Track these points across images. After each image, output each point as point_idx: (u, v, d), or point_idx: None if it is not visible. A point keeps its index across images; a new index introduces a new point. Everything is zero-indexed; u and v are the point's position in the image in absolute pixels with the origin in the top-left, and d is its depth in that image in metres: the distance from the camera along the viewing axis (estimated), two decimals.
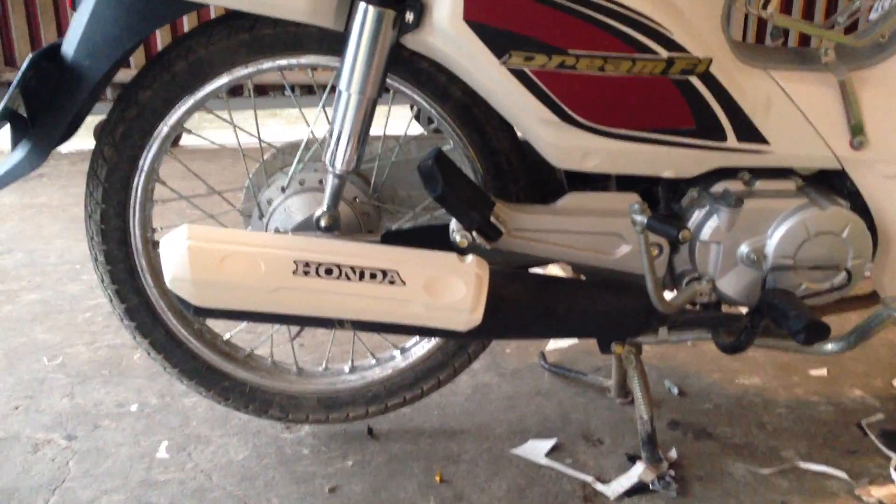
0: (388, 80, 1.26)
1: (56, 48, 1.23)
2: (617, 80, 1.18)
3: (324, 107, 1.37)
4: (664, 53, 1.17)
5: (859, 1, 1.31)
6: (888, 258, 1.32)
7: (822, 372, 1.75)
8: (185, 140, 2.97)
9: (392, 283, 1.17)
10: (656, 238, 1.27)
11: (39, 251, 2.34)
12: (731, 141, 1.24)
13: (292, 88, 3.35)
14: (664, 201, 1.34)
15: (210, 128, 1.36)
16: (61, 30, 3.31)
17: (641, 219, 1.18)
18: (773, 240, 1.27)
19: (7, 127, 1.23)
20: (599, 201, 1.28)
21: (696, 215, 1.29)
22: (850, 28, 1.40)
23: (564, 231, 1.28)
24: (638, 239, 1.21)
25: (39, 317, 1.97)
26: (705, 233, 1.27)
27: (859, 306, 1.41)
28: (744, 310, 1.35)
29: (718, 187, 1.28)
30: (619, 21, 1.15)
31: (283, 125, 3.83)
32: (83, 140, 1.31)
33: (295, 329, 1.46)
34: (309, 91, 3.34)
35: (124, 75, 3.01)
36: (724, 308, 1.36)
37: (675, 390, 1.67)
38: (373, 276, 1.17)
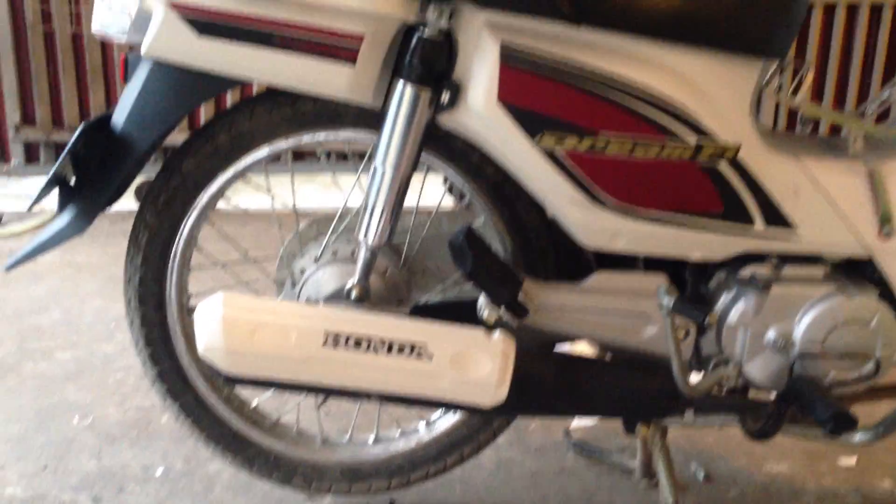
0: (423, 156, 1.30)
1: (106, 119, 1.28)
2: (646, 164, 1.21)
3: (358, 177, 1.40)
4: (693, 139, 1.20)
5: (889, 91, 1.33)
6: None
7: (852, 461, 1.72)
8: (221, 203, 3.04)
9: (419, 356, 1.19)
10: (683, 320, 1.28)
11: (75, 310, 2.39)
12: (759, 226, 1.25)
13: (328, 155, 3.43)
14: (692, 283, 1.34)
15: (245, 191, 1.40)
16: (109, 95, 3.43)
17: (668, 301, 1.19)
18: (801, 326, 1.27)
19: (56, 191, 1.29)
20: (627, 282, 1.30)
21: (724, 298, 1.29)
22: (881, 117, 1.42)
23: (591, 310, 1.30)
24: (664, 321, 1.21)
25: (72, 376, 2.00)
26: (732, 316, 1.28)
27: (889, 396, 1.39)
28: (771, 395, 1.34)
29: (746, 271, 1.29)
30: (649, 106, 1.18)
31: (318, 190, 3.89)
32: (123, 201, 1.36)
33: (321, 397, 1.47)
34: (344, 157, 3.43)
35: (171, 138, 3.13)
36: (752, 393, 1.36)
37: (702, 474, 1.65)
38: (401, 349, 1.18)
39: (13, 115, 3.35)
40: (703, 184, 1.22)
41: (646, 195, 1.23)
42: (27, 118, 3.39)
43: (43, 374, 2.01)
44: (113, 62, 3.40)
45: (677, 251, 1.28)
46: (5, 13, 3.23)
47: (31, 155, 3.40)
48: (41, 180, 1.22)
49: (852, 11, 3.88)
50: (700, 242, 1.26)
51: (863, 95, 4.04)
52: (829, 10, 3.88)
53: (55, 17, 3.25)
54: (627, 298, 1.29)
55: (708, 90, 1.20)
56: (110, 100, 3.42)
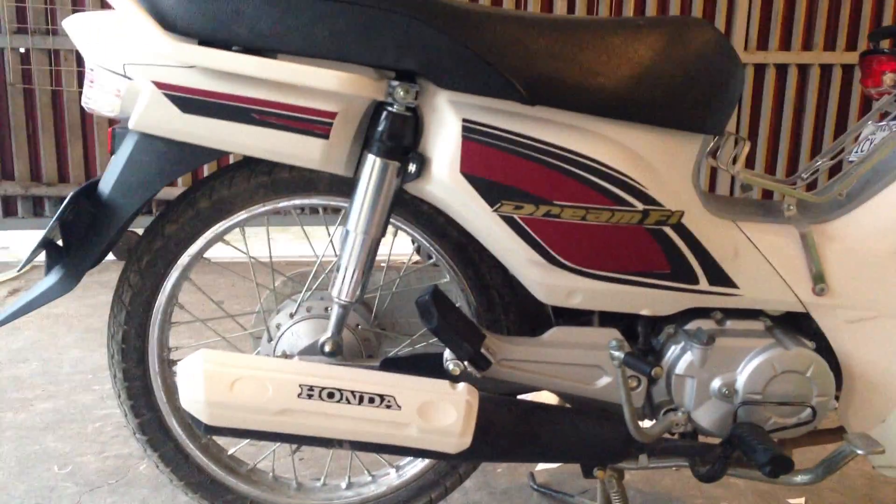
0: (392, 220, 1.40)
1: (93, 186, 1.36)
2: (598, 228, 1.31)
3: (331, 238, 1.49)
4: (640, 206, 1.30)
5: (820, 161, 1.45)
6: (852, 396, 1.41)
7: (800, 501, 1.81)
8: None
9: (388, 406, 1.27)
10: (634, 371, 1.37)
11: (54, 360, 2.44)
12: (703, 284, 1.35)
13: (302, 210, 3.52)
14: (643, 336, 1.45)
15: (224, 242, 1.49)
16: (87, 151, 3.50)
17: (619, 354, 1.28)
18: (743, 376, 1.37)
19: (44, 253, 1.36)
20: (582, 336, 1.39)
21: (672, 350, 1.39)
22: (811, 185, 1.54)
23: (549, 362, 1.39)
24: (616, 372, 1.31)
25: (52, 425, 2.05)
26: (680, 367, 1.38)
27: (828, 440, 1.49)
28: (718, 440, 1.44)
29: (692, 325, 1.39)
30: (599, 177, 1.29)
31: (292, 240, 3.98)
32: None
33: (296, 445, 1.55)
34: (315, 211, 3.54)
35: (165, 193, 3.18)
36: (701, 438, 1.45)
37: None
38: (371, 400, 1.27)
39: None
40: (650, 247, 1.33)
41: (598, 257, 1.33)
42: (6, 173, 3.46)
43: (22, 423, 2.05)
44: (91, 119, 3.48)
45: (629, 307, 1.38)
46: None
47: (8, 209, 3.46)
48: (19, 234, 1.30)
49: (803, 71, 4.07)
50: (649, 299, 1.36)
51: (792, 161, 4.20)
52: (782, 71, 4.06)
53: (35, 75, 3.34)
54: (583, 351, 1.39)
55: (653, 162, 1.31)
56: (88, 156, 3.49)
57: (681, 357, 1.38)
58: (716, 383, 1.37)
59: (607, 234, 1.32)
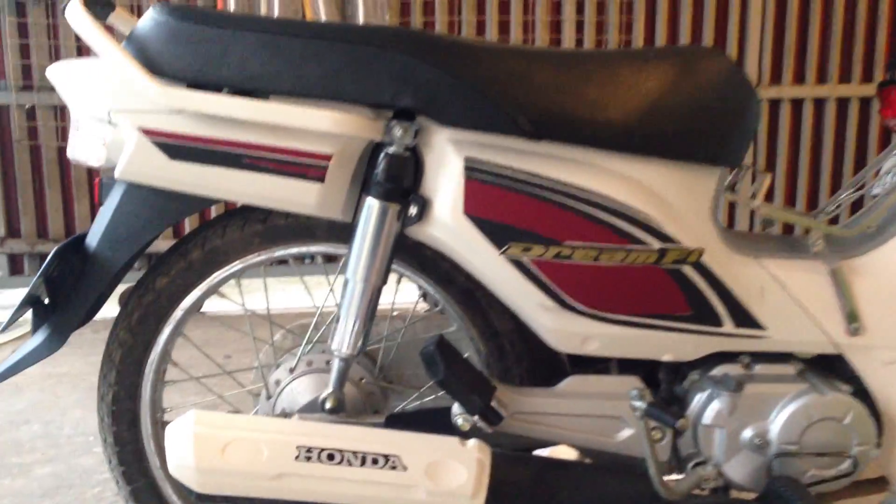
0: (394, 266, 1.32)
1: (80, 240, 1.30)
2: (612, 269, 1.23)
3: (332, 287, 1.42)
4: (656, 244, 1.22)
5: (845, 193, 1.37)
6: (894, 443, 1.31)
7: None
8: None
9: (394, 468, 1.18)
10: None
11: (55, 422, 2.37)
12: (728, 327, 1.26)
13: (301, 258, 3.45)
14: (665, 384, 1.35)
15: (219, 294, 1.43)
16: (93, 206, 3.48)
17: (641, 405, 1.19)
18: (776, 425, 1.27)
19: (30, 312, 1.30)
20: (600, 385, 1.30)
21: (698, 399, 1.30)
22: (833, 220, 1.46)
23: (566, 414, 1.30)
24: (638, 424, 1.22)
25: (50, 492, 1.97)
26: (707, 417, 1.28)
27: (871, 491, 1.38)
28: (753, 495, 1.33)
29: (718, 371, 1.30)
30: (611, 215, 1.21)
31: (289, 289, 3.91)
32: (106, 308, 1.37)
33: None
34: (312, 259, 3.48)
35: (155, 246, 3.15)
36: (734, 493, 1.35)
37: None
38: (374, 461, 1.18)
39: None
40: (669, 288, 1.24)
41: (614, 300, 1.25)
42: (12, 230, 3.43)
43: (20, 491, 1.97)
44: (98, 175, 3.46)
45: (648, 353, 1.29)
46: None
47: (15, 266, 3.42)
48: (25, 292, 1.24)
49: (819, 106, 4.00)
50: (670, 344, 1.27)
51: (812, 194, 4.09)
52: (797, 105, 3.99)
53: (41, 131, 3.33)
54: (601, 402, 1.29)
55: (668, 197, 1.23)
56: (94, 212, 3.47)
57: (707, 406, 1.28)
58: (747, 433, 1.27)
59: (622, 275, 1.24)
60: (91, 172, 3.46)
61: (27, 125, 3.34)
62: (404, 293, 1.50)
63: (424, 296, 1.55)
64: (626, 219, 1.22)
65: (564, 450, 1.81)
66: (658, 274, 1.24)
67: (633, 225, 1.22)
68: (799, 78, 3.96)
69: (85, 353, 2.87)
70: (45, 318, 1.30)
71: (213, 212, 3.37)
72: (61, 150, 3.38)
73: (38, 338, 1.30)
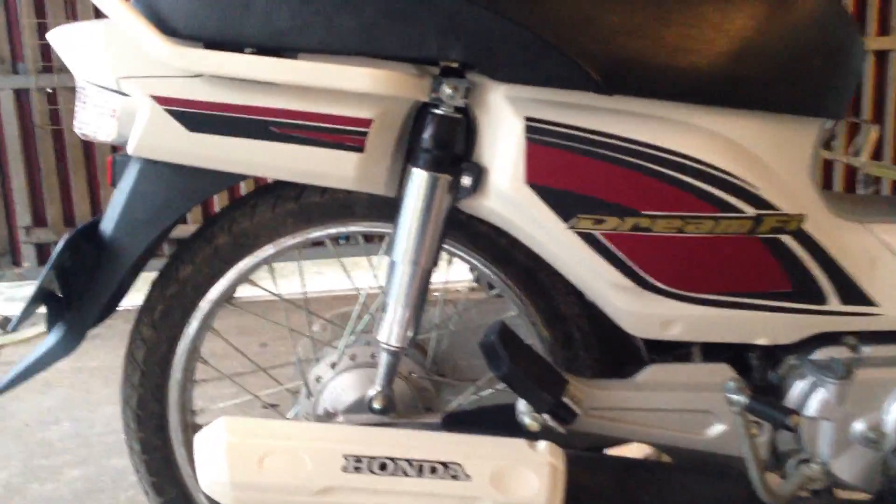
0: (445, 246, 1.17)
1: (94, 226, 1.16)
2: (699, 241, 1.06)
3: (373, 267, 1.28)
4: (750, 211, 1.05)
5: None
6: None
7: None
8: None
9: (455, 477, 1.03)
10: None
11: (86, 420, 2.26)
12: (834, 304, 1.09)
13: (339, 239, 3.31)
14: (759, 371, 1.19)
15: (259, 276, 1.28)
16: None
17: (739, 399, 1.03)
18: (892, 415, 1.10)
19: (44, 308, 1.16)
20: (686, 374, 1.14)
21: (799, 387, 1.13)
22: None
23: (648, 409, 1.14)
24: (736, 419, 1.05)
25: (81, 496, 1.86)
26: (811, 408, 1.12)
27: None
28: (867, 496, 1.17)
29: (821, 355, 1.13)
30: (697, 178, 1.05)
31: (334, 275, 3.76)
32: (141, 296, 1.23)
33: None
34: (348, 240, 3.31)
35: (181, 231, 3.02)
36: (842, 493, 1.18)
37: None
38: (433, 469, 1.03)
39: (24, 217, 3.29)
40: (766, 260, 1.07)
41: (701, 276, 1.08)
42: (38, 219, 3.33)
43: (50, 496, 1.86)
44: None
45: (741, 337, 1.12)
46: (13, 115, 3.19)
47: (43, 256, 3.32)
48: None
49: None
50: (767, 326, 1.11)
51: None
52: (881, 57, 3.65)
53: (63, 115, 3.20)
54: (688, 394, 1.13)
55: (762, 156, 1.06)
56: None
57: (811, 395, 1.12)
58: (858, 426, 1.11)
59: (711, 247, 1.07)
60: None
61: (48, 109, 3.23)
62: (455, 274, 1.35)
63: (478, 280, 1.40)
64: (714, 182, 1.04)
65: (635, 448, 1.65)
66: (752, 245, 1.07)
67: (722, 189, 1.05)
68: None
69: (116, 345, 2.75)
70: (60, 314, 1.16)
71: (244, 188, 3.22)
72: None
73: (53, 337, 1.17)
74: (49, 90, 3.19)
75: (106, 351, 2.74)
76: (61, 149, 3.30)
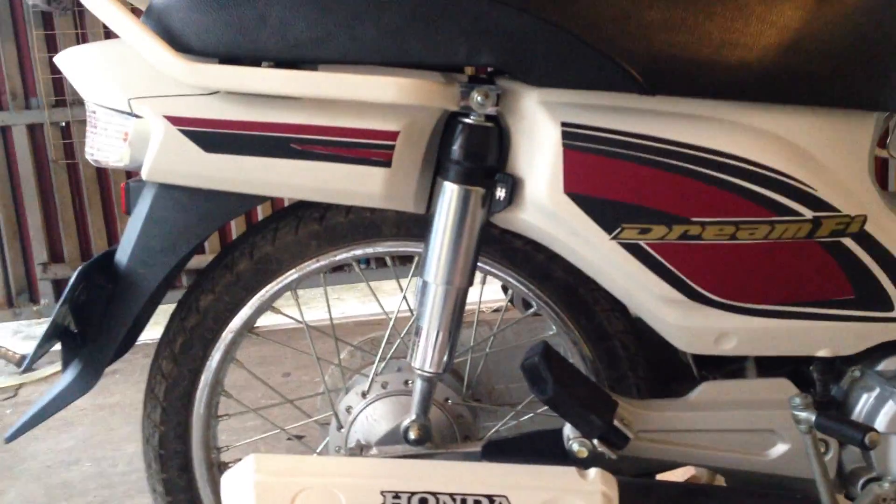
0: (479, 263, 1.10)
1: (108, 257, 1.10)
2: (754, 248, 0.99)
3: (405, 292, 1.21)
4: (808, 213, 0.98)
5: None
6: None
7: None
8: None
9: None
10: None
11: (108, 459, 2.19)
12: None
13: (366, 262, 3.24)
14: (819, 384, 1.11)
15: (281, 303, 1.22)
16: None
17: (808, 416, 0.95)
18: None
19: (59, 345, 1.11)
20: (744, 391, 1.07)
21: (865, 401, 1.06)
22: None
23: (703, 429, 1.06)
24: (803, 439, 0.97)
25: None
26: (881, 422, 1.04)
27: None
28: None
29: (889, 365, 1.05)
30: (750, 180, 0.97)
31: (360, 298, 3.70)
32: (160, 328, 1.17)
33: None
34: (383, 263, 3.24)
35: (198, 261, 2.98)
36: None
37: None
38: (477, 503, 0.96)
39: (40, 253, 3.24)
40: (826, 266, 1.00)
41: (757, 286, 1.01)
42: (55, 255, 3.28)
43: None
44: None
45: (801, 349, 1.05)
46: (27, 150, 3.16)
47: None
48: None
49: None
50: (828, 336, 1.03)
51: None
52: None
53: (77, 148, 3.17)
54: (747, 412, 1.06)
55: (818, 154, 0.99)
56: None
57: (879, 409, 1.04)
58: None
59: (767, 254, 1.00)
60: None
61: (63, 143, 3.19)
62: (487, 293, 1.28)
63: (512, 300, 1.33)
64: (767, 184, 0.97)
65: (683, 471, 1.57)
66: (812, 250, 0.99)
67: (777, 191, 0.98)
68: None
69: (137, 379, 2.70)
70: (75, 351, 1.10)
71: (261, 213, 3.17)
72: (100, 167, 3.23)
73: (69, 375, 1.11)
74: (62, 124, 3.16)
75: (127, 386, 2.69)
76: (76, 182, 3.26)
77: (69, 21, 3.08)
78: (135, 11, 1.02)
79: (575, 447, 1.02)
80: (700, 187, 0.98)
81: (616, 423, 1.01)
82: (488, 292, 1.30)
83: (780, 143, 0.98)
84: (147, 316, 1.17)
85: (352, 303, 3.57)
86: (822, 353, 1.05)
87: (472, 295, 1.09)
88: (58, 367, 2.73)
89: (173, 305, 1.18)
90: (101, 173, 3.29)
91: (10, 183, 3.22)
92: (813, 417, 0.95)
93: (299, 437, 1.54)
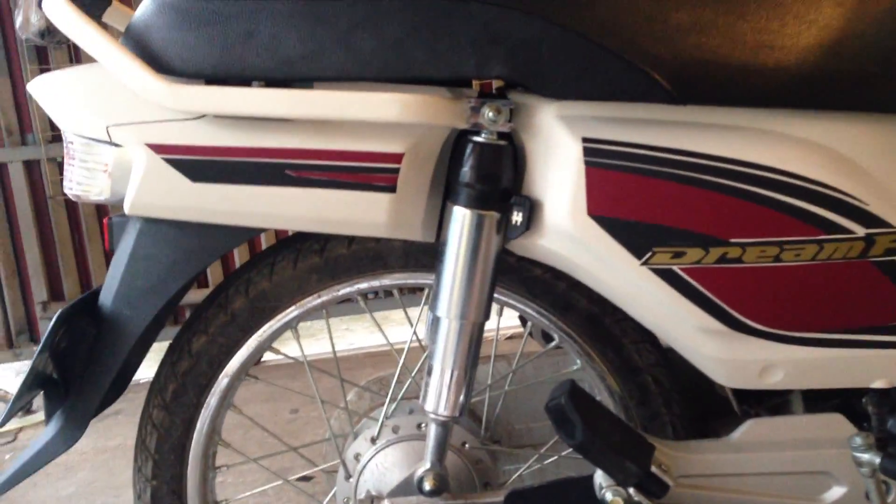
0: (496, 294, 1.01)
1: (90, 299, 1.01)
2: (800, 271, 0.89)
3: (415, 327, 1.12)
4: (860, 230, 0.88)
5: None
6: None
7: None
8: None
9: None
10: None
11: None
12: None
13: (372, 295, 3.14)
14: (875, 418, 1.00)
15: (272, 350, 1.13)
16: None
17: (871, 458, 0.85)
18: None
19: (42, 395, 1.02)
20: (794, 429, 0.97)
21: None
22: None
23: (750, 473, 0.96)
24: (865, 482, 0.87)
25: None
26: None
27: None
28: None
29: None
30: (793, 195, 0.88)
31: (369, 328, 3.60)
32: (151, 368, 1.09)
33: None
34: (389, 294, 3.14)
35: (196, 296, 2.89)
36: None
37: None
38: None
39: (40, 292, 3.16)
40: (881, 288, 0.90)
41: (805, 312, 0.91)
42: (55, 293, 3.20)
43: None
44: None
45: (855, 380, 0.95)
46: (24, 187, 3.09)
47: None
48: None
49: None
50: (885, 366, 0.94)
51: None
52: None
53: None
54: (798, 452, 0.95)
55: (866, 164, 0.89)
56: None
57: None
58: None
59: (815, 276, 0.90)
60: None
61: (59, 179, 3.12)
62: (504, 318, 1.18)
63: (531, 333, 1.23)
64: (814, 199, 0.88)
65: None
66: (865, 270, 0.90)
67: (824, 207, 0.88)
68: None
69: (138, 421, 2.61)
70: (59, 401, 1.01)
71: (264, 242, 3.08)
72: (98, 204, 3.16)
73: (52, 427, 1.02)
74: (59, 159, 3.09)
75: (129, 427, 2.59)
76: (75, 219, 3.19)
77: (64, 55, 3.02)
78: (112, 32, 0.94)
79: (608, 497, 0.92)
80: (738, 205, 0.88)
81: (654, 469, 0.91)
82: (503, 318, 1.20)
83: (825, 154, 0.88)
84: (138, 360, 1.09)
85: (361, 333, 3.47)
86: (878, 385, 0.95)
87: (488, 325, 1.00)
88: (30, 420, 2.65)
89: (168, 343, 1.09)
90: (101, 209, 3.21)
91: (7, 221, 3.15)
92: (877, 459, 0.85)
93: (307, 479, 1.45)
